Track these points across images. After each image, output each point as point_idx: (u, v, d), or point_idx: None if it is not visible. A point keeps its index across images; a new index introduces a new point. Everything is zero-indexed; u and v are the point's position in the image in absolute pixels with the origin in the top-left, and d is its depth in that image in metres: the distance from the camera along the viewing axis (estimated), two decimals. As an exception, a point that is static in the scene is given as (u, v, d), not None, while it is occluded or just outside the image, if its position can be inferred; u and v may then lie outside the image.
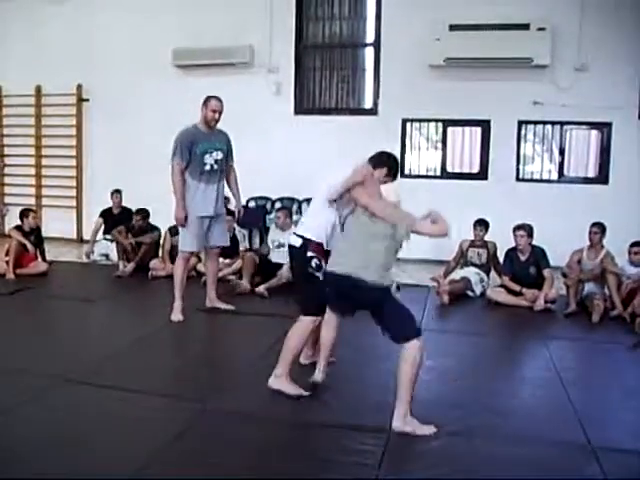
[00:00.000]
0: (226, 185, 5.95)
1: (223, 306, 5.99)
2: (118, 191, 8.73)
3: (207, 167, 5.60)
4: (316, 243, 3.91)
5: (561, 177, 8.92)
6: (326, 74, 9.62)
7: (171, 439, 3.29)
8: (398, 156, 9.05)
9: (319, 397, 3.93)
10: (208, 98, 5.60)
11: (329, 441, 3.35)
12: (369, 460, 3.11)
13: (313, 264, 3.87)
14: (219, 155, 5.67)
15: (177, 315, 5.65)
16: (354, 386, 4.17)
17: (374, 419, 3.58)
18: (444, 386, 4.19)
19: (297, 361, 4.15)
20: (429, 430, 3.41)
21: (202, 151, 5.56)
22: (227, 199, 6.18)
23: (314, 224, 3.97)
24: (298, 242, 3.97)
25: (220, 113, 5.60)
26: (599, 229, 6.60)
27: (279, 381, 3.93)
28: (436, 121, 9.22)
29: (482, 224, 7.20)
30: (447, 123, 9.16)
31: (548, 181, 8.91)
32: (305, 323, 3.96)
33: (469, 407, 3.84)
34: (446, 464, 3.13)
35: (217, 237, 5.89)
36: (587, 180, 8.82)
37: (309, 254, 3.88)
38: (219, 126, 5.76)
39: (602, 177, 8.71)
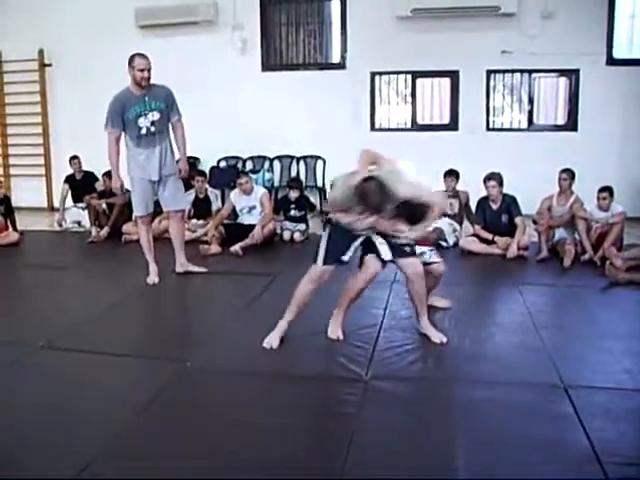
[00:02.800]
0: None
1: (196, 269, 5.91)
2: (76, 157, 8.63)
3: (143, 131, 5.38)
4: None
5: (531, 125, 8.97)
6: (292, 29, 9.50)
7: (154, 397, 3.31)
8: (368, 109, 9.14)
9: (298, 350, 3.98)
10: (132, 57, 5.30)
11: (309, 392, 3.40)
12: (349, 409, 3.16)
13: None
14: (155, 116, 5.38)
15: (152, 278, 5.63)
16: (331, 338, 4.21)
17: (352, 369, 3.64)
18: (420, 334, 4.25)
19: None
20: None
21: (135, 115, 5.33)
22: (196, 159, 6.13)
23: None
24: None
25: (149, 70, 5.28)
26: (568, 175, 6.67)
27: (333, 321, 4.19)
28: (405, 73, 9.18)
29: (453, 174, 7.24)
30: (416, 75, 9.14)
31: (518, 130, 8.96)
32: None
33: (445, 353, 3.92)
34: (424, 408, 3.21)
35: (169, 201, 5.72)
36: (556, 127, 8.88)
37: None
38: (159, 82, 5.52)
39: (571, 124, 8.77)
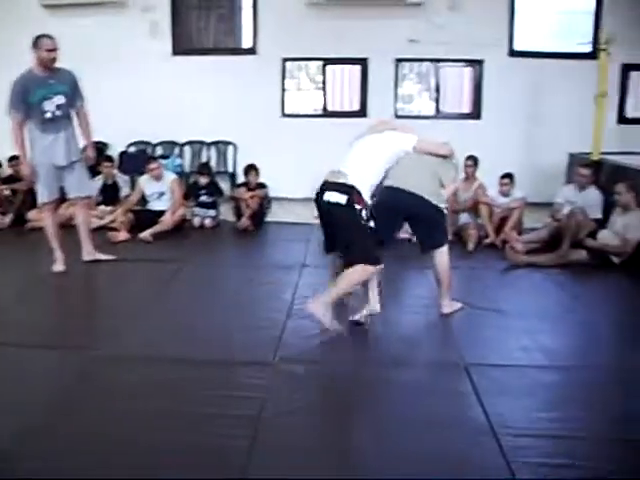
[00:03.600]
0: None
1: (103, 257, 5.75)
2: None
3: (48, 115, 5.16)
4: (359, 193, 3.84)
5: (437, 113, 9.20)
6: (203, 13, 9.37)
7: (64, 388, 3.28)
8: (279, 96, 9.15)
9: (205, 334, 4.01)
10: (38, 38, 5.08)
11: (217, 377, 3.42)
12: (257, 392, 3.21)
13: (364, 215, 3.83)
14: (61, 100, 5.19)
15: (58, 266, 5.45)
16: (241, 323, 4.25)
17: (259, 354, 3.69)
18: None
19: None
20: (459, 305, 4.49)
21: (39, 98, 5.10)
22: (105, 145, 5.99)
23: (360, 176, 3.90)
24: (343, 199, 3.80)
25: (55, 51, 5.08)
26: (472, 162, 6.91)
27: (317, 306, 3.87)
28: (316, 60, 9.25)
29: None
30: (326, 62, 9.21)
31: (425, 117, 9.15)
32: (368, 270, 3.91)
33: (352, 336, 4.01)
34: (331, 390, 3.31)
35: (74, 187, 5.52)
36: (462, 116, 9.15)
37: (357, 207, 3.80)
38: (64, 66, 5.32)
39: (475, 113, 9.06)
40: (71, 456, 2.65)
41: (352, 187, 3.81)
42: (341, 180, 3.86)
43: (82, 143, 5.60)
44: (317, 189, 3.97)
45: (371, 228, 3.90)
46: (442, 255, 4.34)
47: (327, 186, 3.91)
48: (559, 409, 3.11)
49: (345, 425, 2.98)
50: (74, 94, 5.34)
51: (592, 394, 3.29)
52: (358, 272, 3.87)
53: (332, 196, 3.84)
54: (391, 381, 3.41)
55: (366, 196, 3.90)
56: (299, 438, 2.83)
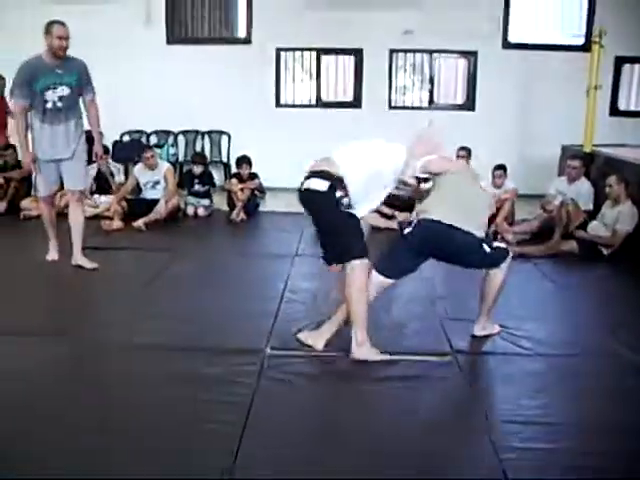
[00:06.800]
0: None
1: (88, 265, 5.31)
2: None
3: (49, 105, 4.91)
4: (341, 180, 3.49)
5: (431, 104, 9.24)
6: (198, 3, 9.37)
7: (50, 375, 3.30)
8: (273, 86, 9.17)
9: (197, 323, 4.04)
10: (50, 24, 4.83)
11: (208, 364, 3.44)
12: (248, 379, 3.24)
13: (344, 202, 3.45)
14: (65, 91, 4.93)
15: (52, 254, 5.45)
16: (234, 311, 4.29)
17: (252, 341, 3.72)
18: (324, 306, 4.36)
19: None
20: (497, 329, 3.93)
21: (43, 87, 4.85)
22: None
23: (350, 167, 3.54)
24: (324, 185, 3.44)
25: (67, 39, 4.85)
26: (465, 152, 6.96)
27: (362, 350, 3.51)
28: (310, 50, 9.26)
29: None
30: (321, 52, 9.23)
31: (419, 108, 9.20)
32: (362, 267, 3.48)
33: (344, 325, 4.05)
34: (322, 379, 3.34)
35: (70, 180, 5.24)
36: (455, 107, 9.20)
37: (338, 194, 3.44)
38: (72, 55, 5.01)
39: (469, 104, 9.11)
40: (56, 441, 2.68)
41: (339, 178, 3.46)
42: (325, 168, 3.52)
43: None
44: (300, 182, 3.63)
45: (352, 215, 3.50)
46: (496, 275, 3.72)
47: (309, 174, 3.56)
48: (544, 396, 3.16)
49: (335, 410, 3.02)
50: (83, 85, 5.07)
51: (577, 381, 3.34)
52: (355, 272, 3.47)
53: (312, 183, 3.49)
54: (380, 369, 3.44)
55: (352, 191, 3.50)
56: (290, 424, 2.86)
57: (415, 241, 3.61)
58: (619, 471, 2.54)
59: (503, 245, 3.91)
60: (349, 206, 3.47)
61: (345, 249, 3.49)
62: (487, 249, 3.59)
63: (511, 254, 3.75)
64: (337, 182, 3.45)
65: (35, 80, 4.83)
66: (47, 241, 5.51)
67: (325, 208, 3.49)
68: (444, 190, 3.74)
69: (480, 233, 3.64)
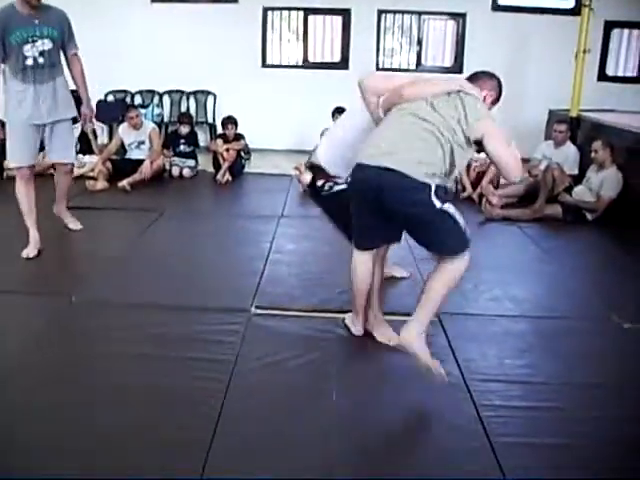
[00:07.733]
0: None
1: (71, 225, 5.14)
2: None
3: (29, 61, 4.31)
4: (322, 169, 3.43)
5: (419, 66, 9.17)
6: (183, -41, 9.19)
7: (38, 333, 3.30)
8: (259, 45, 9.04)
9: (182, 282, 4.05)
10: None
11: (193, 323, 3.46)
12: (233, 338, 3.26)
13: (327, 187, 3.41)
14: (46, 45, 4.35)
15: (30, 249, 4.51)
16: (219, 270, 4.30)
17: (237, 301, 3.73)
18: (309, 266, 4.38)
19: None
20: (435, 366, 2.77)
21: (20, 40, 4.24)
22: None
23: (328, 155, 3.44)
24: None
25: None
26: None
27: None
28: (297, 9, 9.12)
29: (340, 112, 7.33)
30: (308, 12, 9.10)
31: (407, 70, 9.11)
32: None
33: (330, 286, 4.04)
34: (305, 339, 3.35)
35: (57, 150, 4.72)
36: (443, 69, 9.12)
37: (318, 183, 3.43)
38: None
39: (457, 66, 9.03)
40: (44, 394, 2.71)
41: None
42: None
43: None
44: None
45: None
46: (450, 267, 2.93)
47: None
48: (528, 356, 3.20)
49: (318, 368, 3.04)
50: (65, 39, 4.49)
51: (559, 342, 3.38)
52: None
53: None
54: (366, 331, 3.45)
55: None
56: (272, 382, 2.89)
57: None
58: (602, 429, 2.58)
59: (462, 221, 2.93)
60: (331, 187, 3.40)
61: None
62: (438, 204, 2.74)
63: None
64: (318, 171, 3.43)
65: (9, 32, 4.22)
66: (25, 231, 4.63)
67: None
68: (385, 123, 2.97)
69: (433, 180, 2.71)
